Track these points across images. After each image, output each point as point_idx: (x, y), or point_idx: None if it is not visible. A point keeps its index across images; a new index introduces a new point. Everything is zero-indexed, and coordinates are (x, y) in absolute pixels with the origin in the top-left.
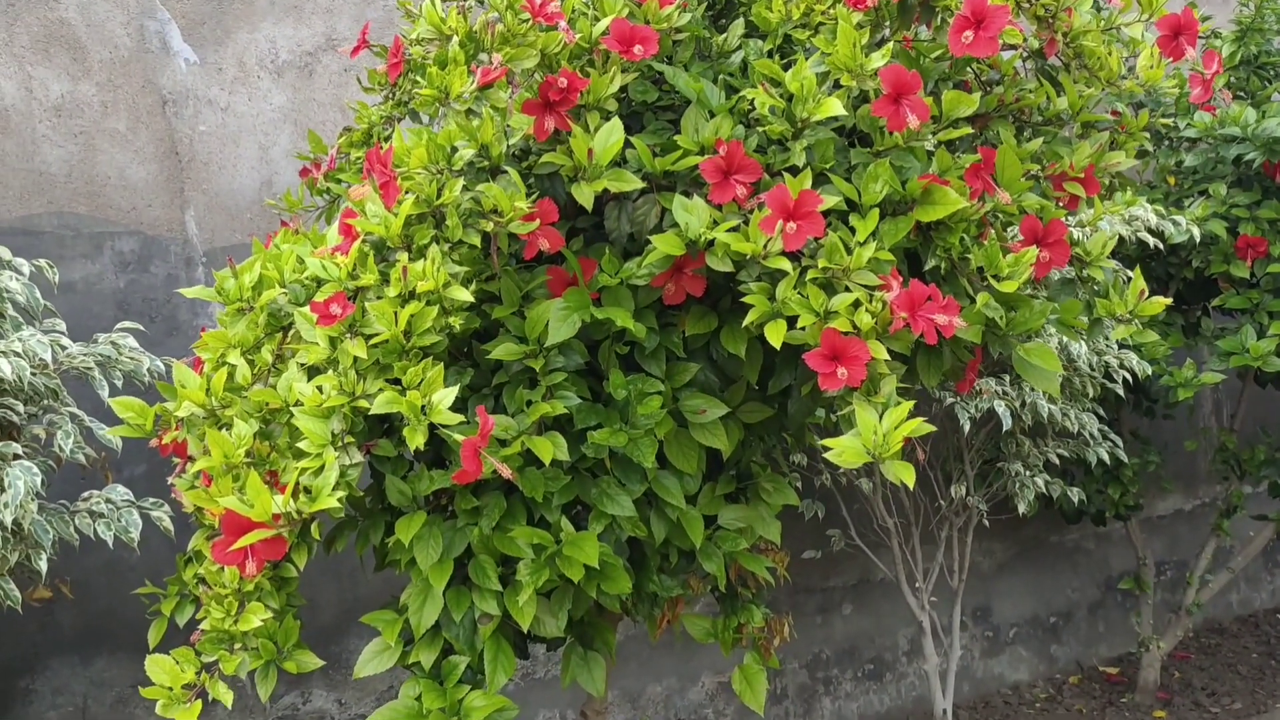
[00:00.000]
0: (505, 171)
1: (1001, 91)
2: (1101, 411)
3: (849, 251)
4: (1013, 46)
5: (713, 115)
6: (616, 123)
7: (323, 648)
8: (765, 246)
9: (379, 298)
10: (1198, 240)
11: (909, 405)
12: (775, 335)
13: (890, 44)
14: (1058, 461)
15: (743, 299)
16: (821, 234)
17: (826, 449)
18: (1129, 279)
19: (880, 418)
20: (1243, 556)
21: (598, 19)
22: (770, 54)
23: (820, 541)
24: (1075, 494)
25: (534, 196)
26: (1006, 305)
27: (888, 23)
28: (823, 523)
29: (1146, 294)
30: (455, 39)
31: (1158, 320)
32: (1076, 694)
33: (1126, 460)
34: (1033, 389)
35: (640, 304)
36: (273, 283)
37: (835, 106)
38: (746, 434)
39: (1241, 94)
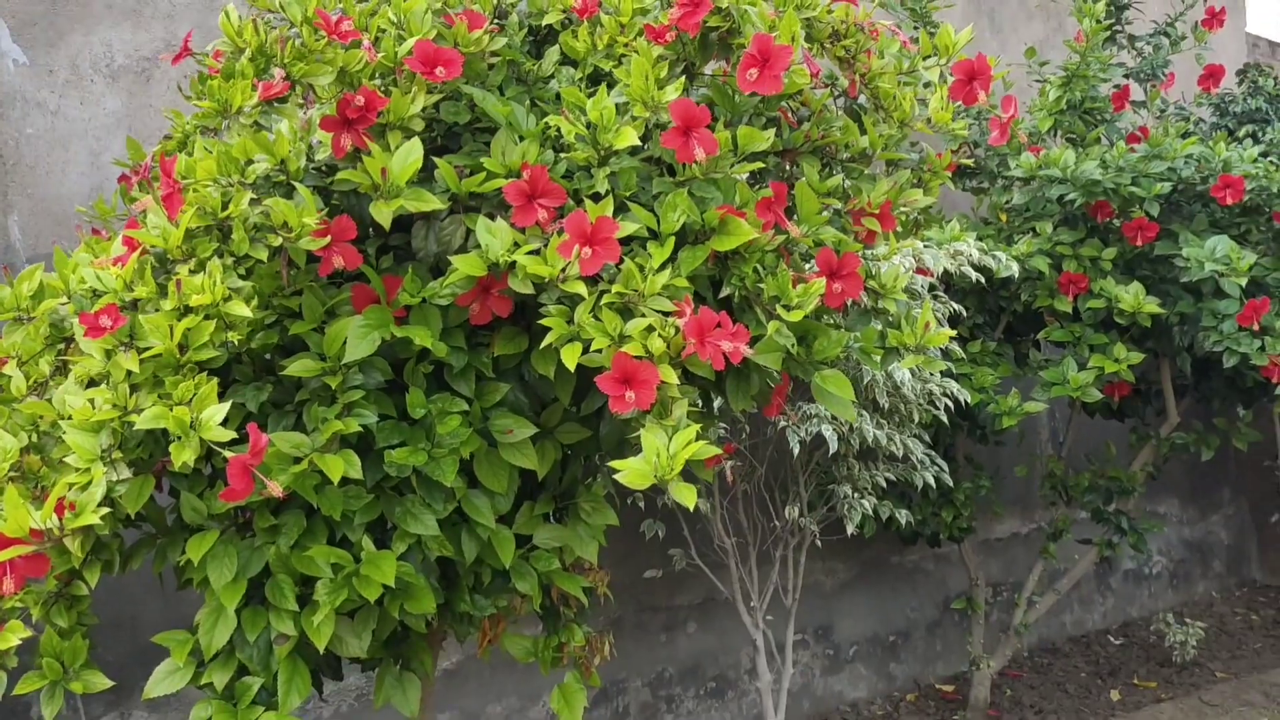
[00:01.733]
0: (297, 188)
1: (808, 128)
2: (927, 437)
3: (645, 277)
4: (827, 84)
5: (522, 139)
6: (415, 143)
7: (144, 667)
8: (563, 271)
9: (156, 310)
10: (1018, 276)
11: (695, 428)
12: (570, 357)
13: (681, 79)
14: (885, 485)
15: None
16: (617, 260)
17: (614, 470)
18: (960, 311)
19: (669, 440)
20: (1068, 579)
21: (403, 38)
22: (581, 82)
23: (663, 561)
24: (904, 515)
25: (328, 213)
26: (803, 334)
27: (692, 56)
28: (664, 542)
29: (933, 325)
30: (246, 52)
31: (990, 351)
32: (912, 711)
33: (952, 484)
34: (860, 414)
35: (450, 323)
36: (57, 292)
37: (630, 136)
38: (568, 454)
39: (1071, 137)
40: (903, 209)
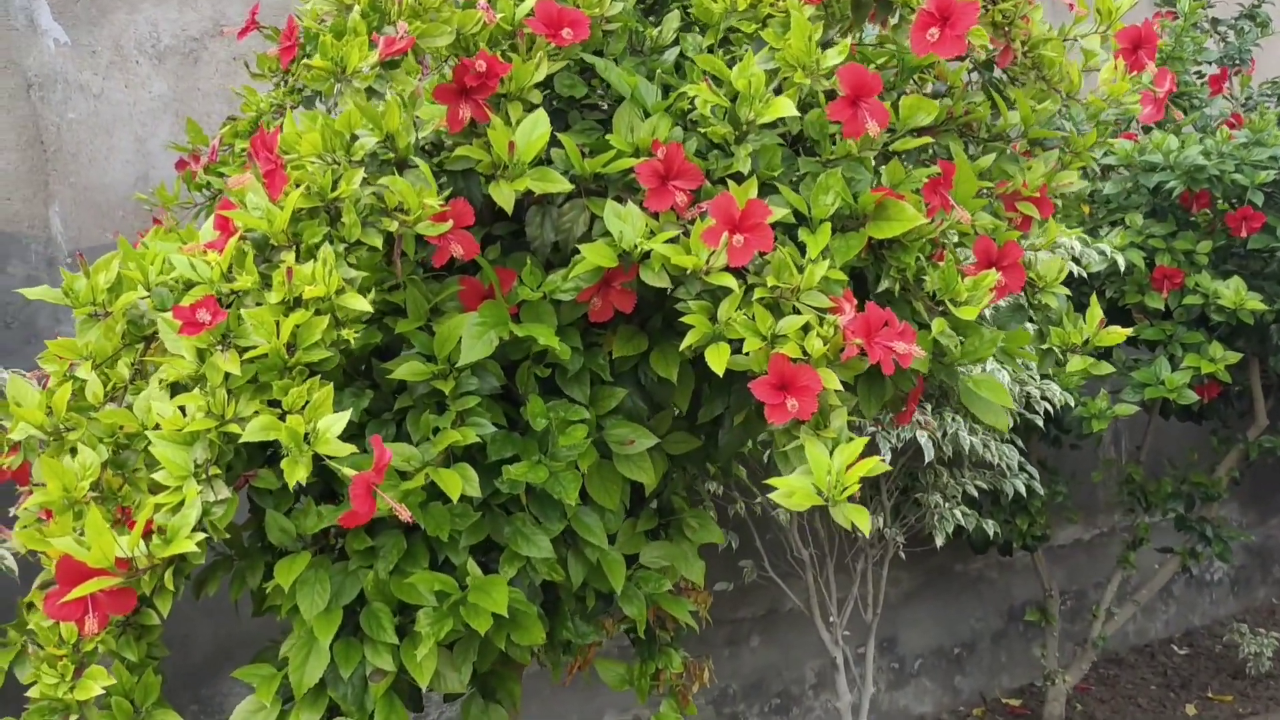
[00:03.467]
0: (413, 165)
1: (950, 104)
2: (1020, 443)
3: (799, 269)
4: (960, 58)
5: (648, 115)
6: (542, 114)
7: (193, 690)
8: (708, 261)
9: (258, 304)
10: (1123, 269)
11: (863, 442)
12: (718, 360)
13: (848, 41)
14: (975, 493)
15: (681, 319)
16: (770, 248)
17: (770, 488)
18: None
19: (831, 454)
20: (1147, 589)
21: None
22: (710, 49)
23: (732, 573)
24: (990, 526)
25: (445, 195)
26: (957, 333)
27: (838, 21)
28: (735, 553)
29: (1105, 323)
30: (356, 8)
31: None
32: None
33: (1041, 492)
34: (955, 418)
35: (563, 321)
36: (134, 284)
37: (786, 107)
38: (670, 465)
39: (1158, 126)
40: (1055, 193)
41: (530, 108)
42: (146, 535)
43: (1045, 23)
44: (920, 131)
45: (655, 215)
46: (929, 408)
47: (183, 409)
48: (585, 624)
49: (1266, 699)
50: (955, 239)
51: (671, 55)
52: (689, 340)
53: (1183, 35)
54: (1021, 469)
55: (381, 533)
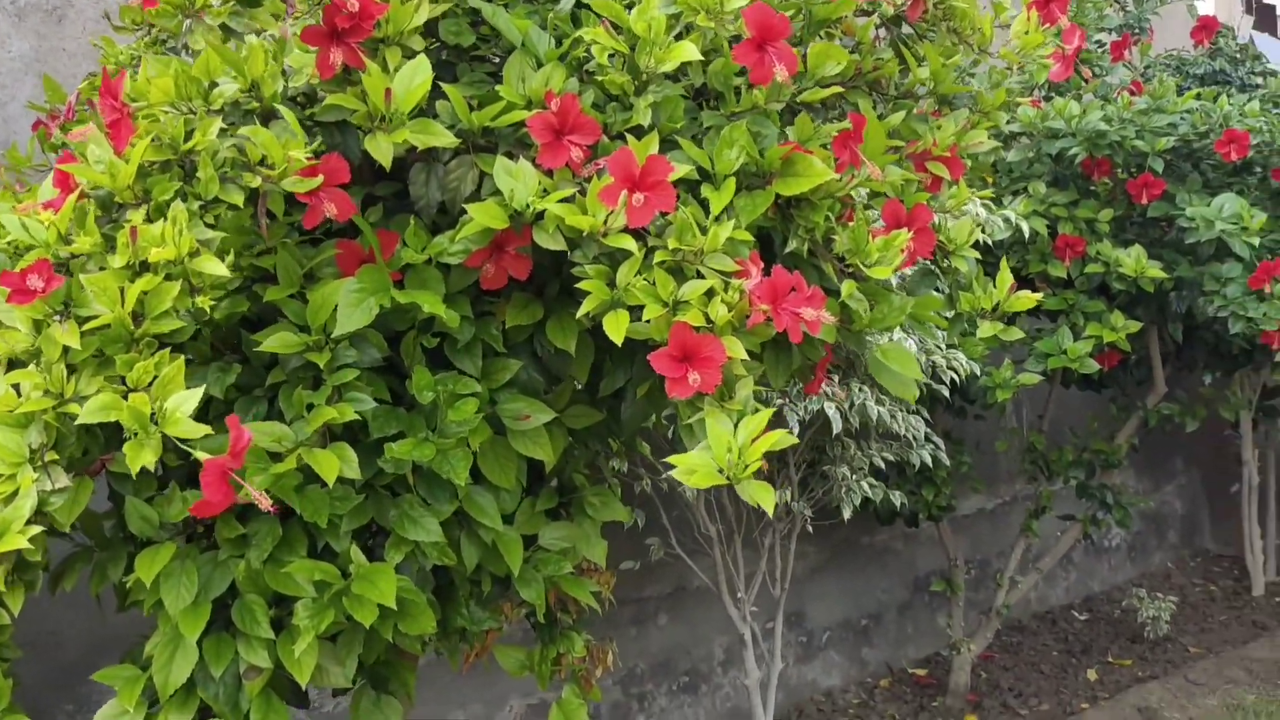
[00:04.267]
0: (280, 117)
1: (859, 59)
2: (926, 414)
3: (703, 230)
4: (866, 12)
5: (541, 65)
6: (423, 61)
7: (68, 690)
8: (605, 222)
9: (102, 269)
10: (1028, 236)
11: (768, 414)
12: (616, 329)
13: None
14: (882, 465)
15: (576, 284)
16: (672, 208)
17: (668, 465)
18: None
19: (735, 428)
20: (1050, 557)
21: None
22: None
23: (639, 551)
24: (898, 497)
25: (316, 148)
26: (867, 298)
27: None
28: (641, 531)
29: (1016, 287)
30: None
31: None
32: (888, 698)
33: (948, 462)
34: (862, 389)
35: (453, 288)
36: None
37: (689, 51)
38: (571, 441)
39: (1058, 93)
40: (965, 153)
41: (411, 55)
42: None
43: None
44: (829, 84)
45: (549, 173)
46: (836, 378)
47: (16, 387)
48: (481, 610)
49: (1164, 661)
50: (865, 199)
51: (567, 5)
52: (585, 307)
53: (1084, 1)
54: (928, 440)
55: (254, 519)
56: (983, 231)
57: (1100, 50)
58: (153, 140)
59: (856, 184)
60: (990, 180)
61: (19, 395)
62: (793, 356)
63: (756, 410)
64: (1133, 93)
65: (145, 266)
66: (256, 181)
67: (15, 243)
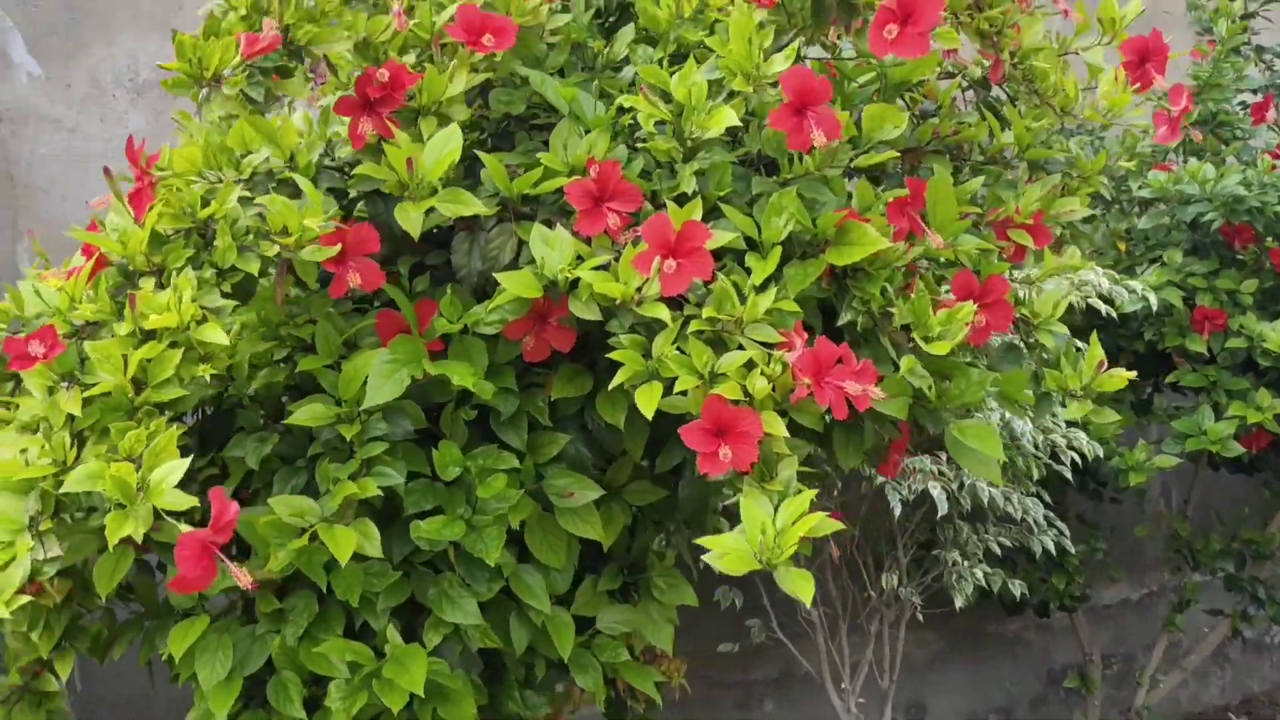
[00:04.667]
0: (316, 186)
1: (936, 123)
2: (1047, 496)
3: (744, 299)
4: (950, 74)
5: (589, 131)
6: (453, 129)
7: None
8: (639, 290)
9: (113, 336)
10: (1155, 309)
11: (809, 495)
12: (647, 402)
13: (795, 46)
14: (999, 550)
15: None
16: (709, 276)
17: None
18: (1079, 348)
19: (775, 510)
20: (1196, 654)
21: (443, 6)
22: (661, 63)
23: (739, 633)
24: (1017, 587)
25: (341, 215)
26: (938, 374)
27: (798, 27)
28: (741, 611)
29: (1105, 365)
30: (235, 11)
31: (1106, 397)
32: None
33: (1072, 549)
34: None
35: (500, 359)
36: (8, 318)
37: (727, 117)
38: (637, 517)
39: (1197, 157)
40: (1055, 221)
41: (448, 124)
42: None
43: (1045, 33)
44: (904, 151)
45: (588, 240)
46: (944, 456)
47: (24, 453)
48: (536, 694)
49: None
50: (933, 268)
51: (629, 73)
52: (619, 378)
53: (1221, 61)
54: (1050, 525)
55: (293, 592)
56: (1110, 304)
57: (1242, 112)
58: (168, 207)
59: (918, 254)
60: (1124, 249)
61: (26, 462)
62: (864, 435)
63: (799, 491)
64: (1276, 156)
65: (151, 334)
66: (273, 250)
67: (49, 309)
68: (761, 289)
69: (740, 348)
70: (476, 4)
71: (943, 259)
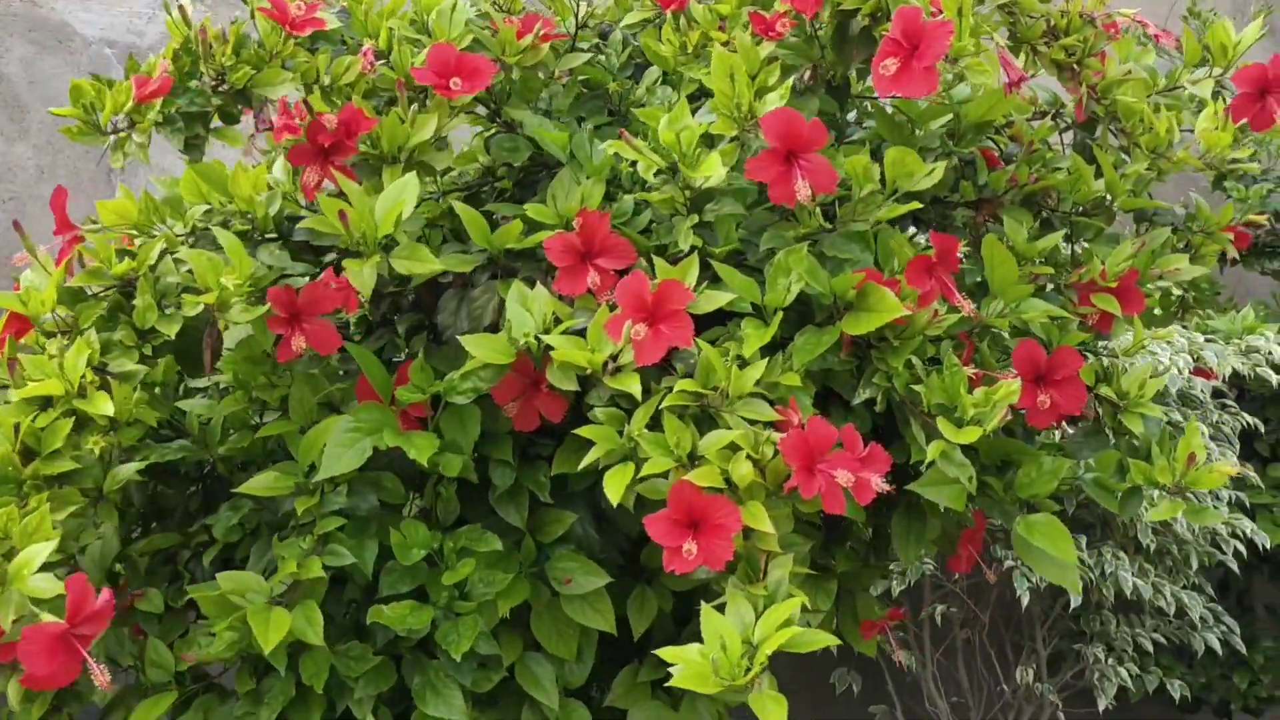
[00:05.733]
0: (279, 239)
1: (1014, 169)
2: (1210, 588)
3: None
4: (1043, 114)
5: (590, 178)
6: (411, 179)
7: None
8: (613, 358)
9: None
10: None
11: (796, 601)
12: (614, 486)
13: (788, 84)
14: (1150, 647)
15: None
16: (688, 342)
17: (667, 663)
18: (1250, 425)
19: (756, 618)
20: None
21: (422, 45)
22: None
23: (861, 717)
24: (1178, 687)
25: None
26: (1003, 459)
27: (827, 58)
28: (861, 696)
29: (1200, 455)
30: (159, 56)
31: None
32: None
33: (1243, 648)
34: (1115, 555)
35: (500, 427)
36: None
37: (714, 165)
38: (680, 599)
39: None
40: (1157, 283)
41: (430, 173)
42: None
43: (1144, 67)
44: (969, 207)
45: (570, 300)
46: (1084, 540)
47: None
48: None
49: None
50: (997, 339)
51: None
52: (589, 457)
53: None
54: (1218, 620)
55: (270, 673)
56: (1244, 382)
57: None
58: (82, 263)
59: (952, 323)
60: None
61: None
62: (927, 525)
63: (790, 596)
64: None
65: (49, 402)
66: (194, 307)
67: None
68: (767, 353)
69: (728, 426)
70: (462, 44)
71: (1005, 329)
